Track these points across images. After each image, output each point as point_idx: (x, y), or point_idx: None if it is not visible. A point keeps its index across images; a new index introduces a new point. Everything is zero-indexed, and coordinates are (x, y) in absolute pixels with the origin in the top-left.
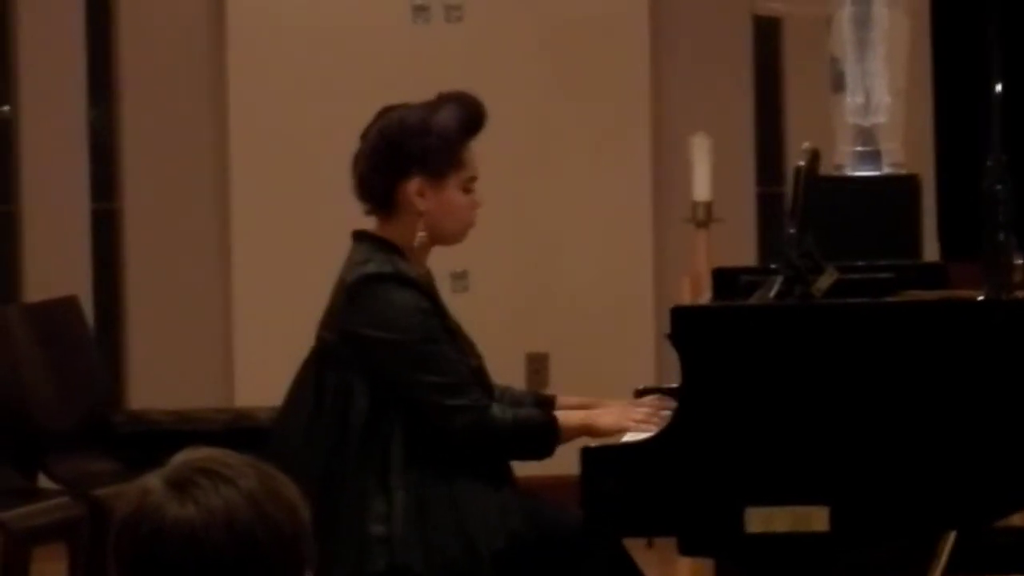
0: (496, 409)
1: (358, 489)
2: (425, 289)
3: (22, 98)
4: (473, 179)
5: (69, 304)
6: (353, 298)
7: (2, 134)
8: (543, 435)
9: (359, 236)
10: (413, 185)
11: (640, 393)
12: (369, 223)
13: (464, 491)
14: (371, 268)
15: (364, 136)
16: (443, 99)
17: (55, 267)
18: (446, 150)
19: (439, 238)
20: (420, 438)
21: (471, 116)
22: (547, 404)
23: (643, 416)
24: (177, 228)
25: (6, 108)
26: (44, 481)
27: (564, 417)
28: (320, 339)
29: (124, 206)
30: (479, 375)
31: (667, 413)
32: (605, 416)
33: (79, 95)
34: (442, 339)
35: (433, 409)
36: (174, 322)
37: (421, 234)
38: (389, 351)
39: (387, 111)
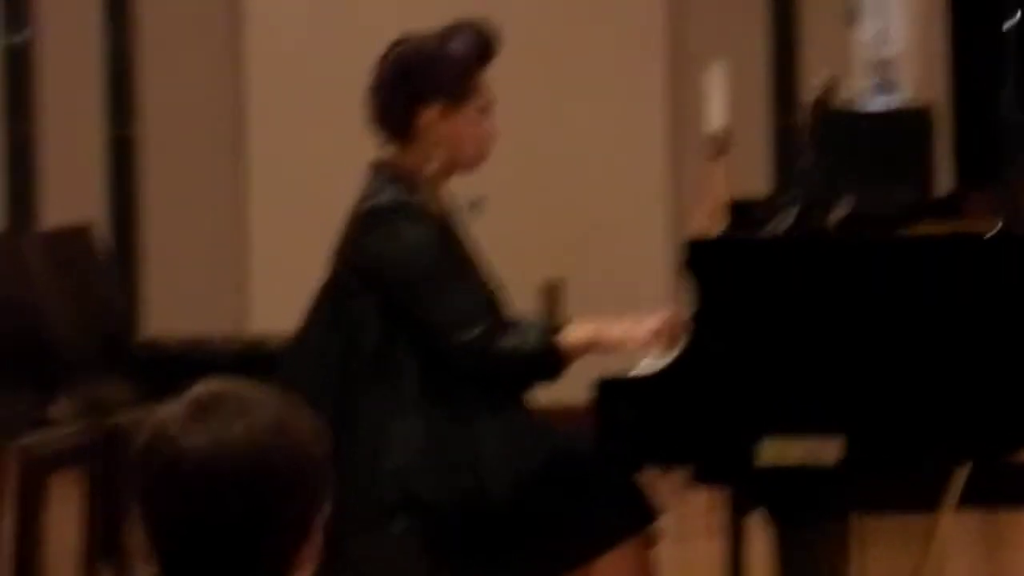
0: (500, 340)
1: (371, 419)
2: (437, 222)
3: (39, 24)
4: (490, 104)
5: (85, 231)
6: (363, 230)
7: (19, 61)
8: (544, 359)
9: (376, 166)
10: (431, 111)
11: None
12: (386, 153)
13: (481, 427)
14: (382, 200)
15: (379, 65)
16: (457, 27)
17: (71, 194)
18: (463, 76)
19: (457, 165)
20: (436, 369)
21: (486, 42)
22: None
23: (652, 329)
24: (193, 155)
25: (27, 31)
26: (60, 407)
27: (568, 335)
28: (332, 269)
29: (140, 133)
30: (492, 305)
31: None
32: (613, 328)
33: (95, 21)
34: (451, 272)
35: (441, 345)
36: (189, 249)
37: (434, 164)
38: (398, 284)
39: (402, 41)
